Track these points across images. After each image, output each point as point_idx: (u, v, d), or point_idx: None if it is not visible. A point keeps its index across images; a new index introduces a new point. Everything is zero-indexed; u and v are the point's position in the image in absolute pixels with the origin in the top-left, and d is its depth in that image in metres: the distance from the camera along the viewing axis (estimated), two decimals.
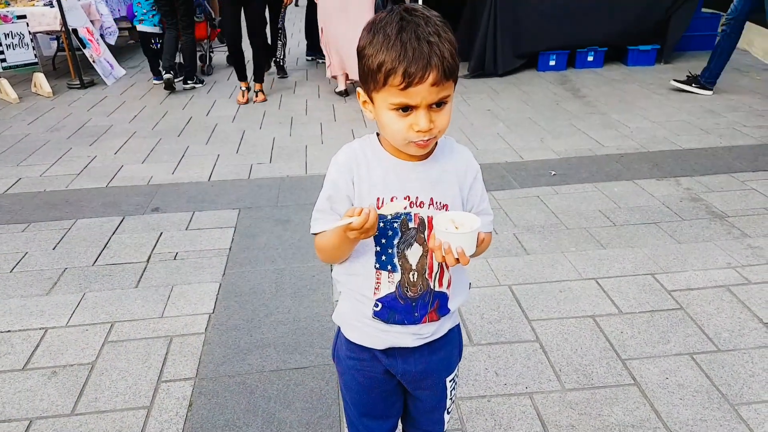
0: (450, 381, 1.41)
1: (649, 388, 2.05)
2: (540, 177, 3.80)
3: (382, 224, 1.17)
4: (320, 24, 5.70)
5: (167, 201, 3.63)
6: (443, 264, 1.22)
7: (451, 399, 1.43)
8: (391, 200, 1.17)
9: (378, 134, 1.22)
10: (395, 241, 1.19)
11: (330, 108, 5.55)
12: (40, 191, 3.82)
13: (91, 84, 6.49)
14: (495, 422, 1.94)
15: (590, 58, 6.54)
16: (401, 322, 1.24)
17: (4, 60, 5.74)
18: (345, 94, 5.86)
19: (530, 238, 3.06)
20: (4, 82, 5.96)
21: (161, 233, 3.23)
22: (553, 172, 3.83)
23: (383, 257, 1.20)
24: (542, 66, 6.46)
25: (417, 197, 1.18)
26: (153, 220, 3.39)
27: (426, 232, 1.20)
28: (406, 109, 1.07)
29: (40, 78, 6.14)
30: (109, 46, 6.93)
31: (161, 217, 3.42)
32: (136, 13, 6.21)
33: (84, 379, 2.17)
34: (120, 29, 7.66)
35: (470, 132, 4.69)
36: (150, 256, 3.00)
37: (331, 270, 1.34)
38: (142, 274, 2.83)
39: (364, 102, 1.16)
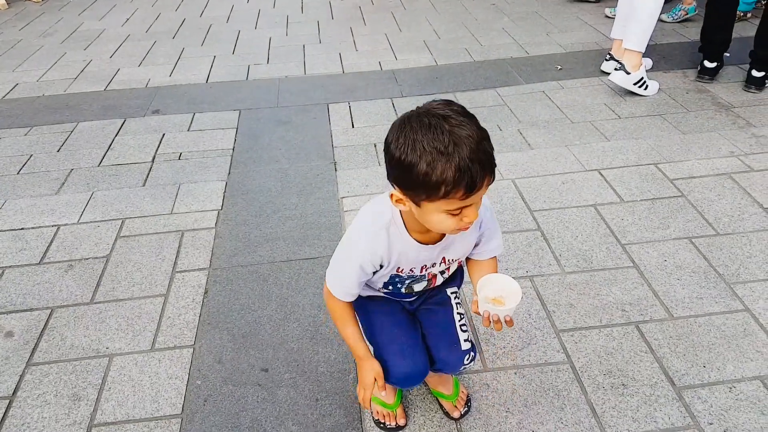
0: (452, 293, 1.50)
1: (648, 269, 2.12)
2: (545, 72, 3.73)
3: (397, 278, 1.36)
4: None
5: (167, 103, 3.59)
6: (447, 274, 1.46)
7: (459, 313, 1.48)
8: (411, 272, 1.33)
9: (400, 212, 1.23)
10: (406, 282, 1.37)
11: (326, 5, 5.36)
12: (39, 96, 3.77)
13: None
14: None
15: None
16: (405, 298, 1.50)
17: None
18: None
19: (534, 134, 3.04)
20: None
21: (163, 134, 3.22)
22: (559, 67, 3.75)
23: (390, 287, 1.40)
24: None
25: (433, 263, 1.33)
26: (154, 122, 3.37)
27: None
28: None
29: None
30: None
31: (162, 119, 3.39)
32: None
33: (100, 271, 2.24)
34: None
35: (474, 27, 4.54)
36: (154, 156, 3.01)
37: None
38: (149, 174, 2.85)
39: (399, 200, 1.12)
